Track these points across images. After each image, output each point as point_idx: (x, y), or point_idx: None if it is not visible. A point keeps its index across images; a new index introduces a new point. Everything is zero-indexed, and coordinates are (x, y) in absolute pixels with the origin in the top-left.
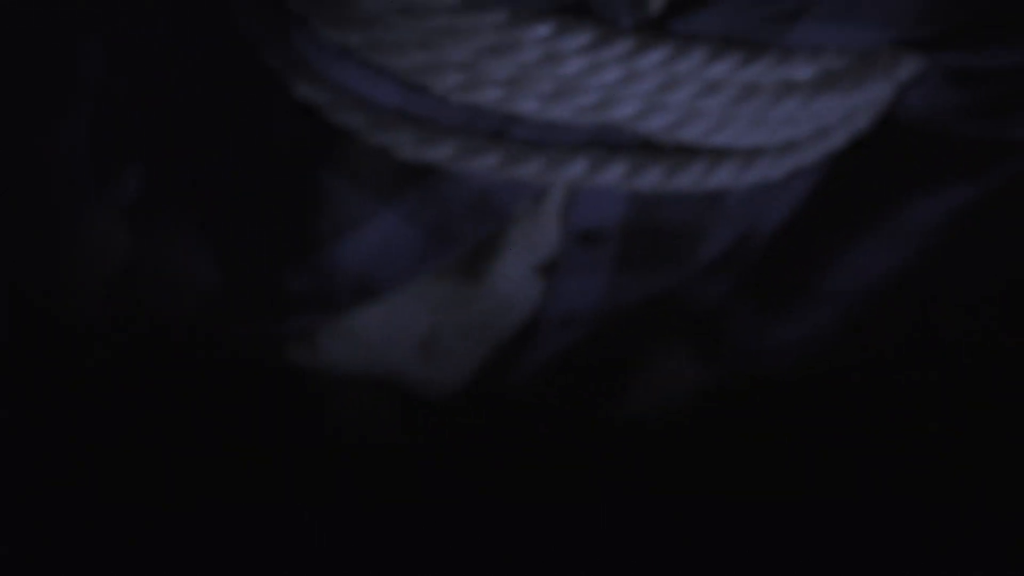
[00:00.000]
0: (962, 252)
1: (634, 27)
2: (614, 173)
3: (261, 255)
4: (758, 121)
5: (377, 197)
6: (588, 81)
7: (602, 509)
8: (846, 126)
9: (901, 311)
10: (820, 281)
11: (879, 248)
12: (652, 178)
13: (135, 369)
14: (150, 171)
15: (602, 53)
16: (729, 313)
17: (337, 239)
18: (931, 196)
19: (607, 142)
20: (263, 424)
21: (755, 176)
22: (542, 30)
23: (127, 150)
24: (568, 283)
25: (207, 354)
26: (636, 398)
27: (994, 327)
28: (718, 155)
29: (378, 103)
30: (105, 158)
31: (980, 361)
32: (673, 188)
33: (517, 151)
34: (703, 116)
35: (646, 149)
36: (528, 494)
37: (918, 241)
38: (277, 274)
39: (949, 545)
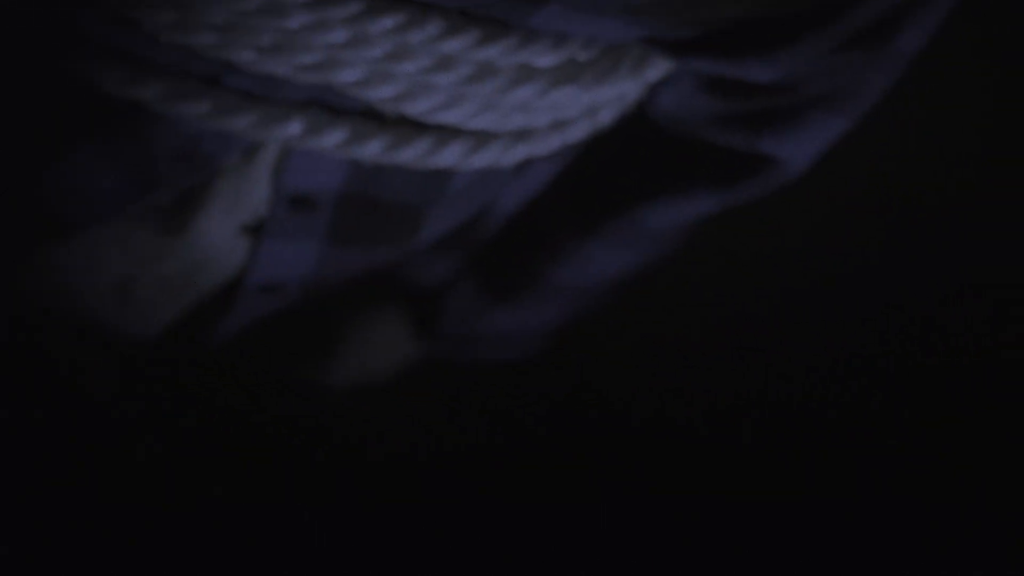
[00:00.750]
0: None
1: None
2: (332, 139)
3: None
4: (491, 104)
5: (77, 130)
6: (311, 39)
7: (602, 509)
8: (587, 120)
9: (627, 313)
10: (549, 274)
11: (613, 248)
12: (372, 149)
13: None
14: None
15: (329, 11)
16: (451, 293)
17: (34, 169)
18: (672, 202)
19: (329, 105)
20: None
21: (484, 160)
22: None
23: None
24: (275, 248)
25: None
26: (343, 366)
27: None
28: (445, 134)
29: (86, 30)
30: None
31: (980, 361)
32: (394, 162)
33: (229, 101)
34: (432, 92)
35: (369, 118)
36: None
37: (654, 245)
38: None
39: (949, 545)
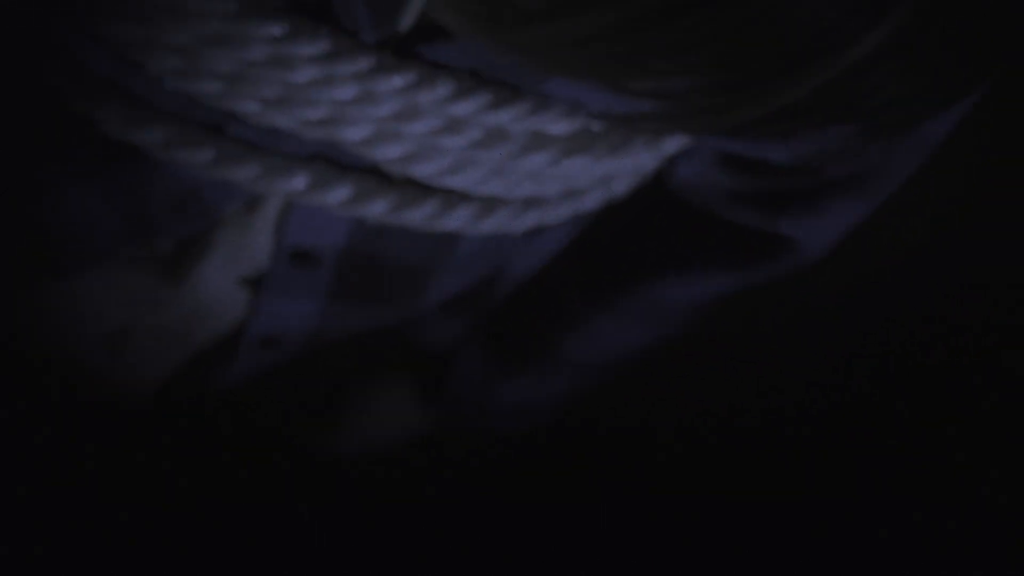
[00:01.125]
0: (710, 341)
1: (377, 44)
2: (337, 195)
3: None
4: (500, 171)
5: (76, 169)
6: (318, 94)
7: (602, 509)
8: (600, 190)
9: (639, 389)
10: (558, 345)
11: (625, 323)
12: (378, 208)
13: None
14: None
15: (337, 67)
16: (457, 360)
17: (27, 205)
18: (687, 278)
19: (334, 160)
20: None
21: (492, 226)
22: (274, 29)
23: None
24: (275, 302)
25: None
26: (348, 432)
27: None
28: (453, 197)
29: (89, 69)
30: None
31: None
32: (400, 223)
33: (233, 152)
34: (440, 155)
35: (375, 176)
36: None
37: (668, 323)
38: None
39: (949, 545)
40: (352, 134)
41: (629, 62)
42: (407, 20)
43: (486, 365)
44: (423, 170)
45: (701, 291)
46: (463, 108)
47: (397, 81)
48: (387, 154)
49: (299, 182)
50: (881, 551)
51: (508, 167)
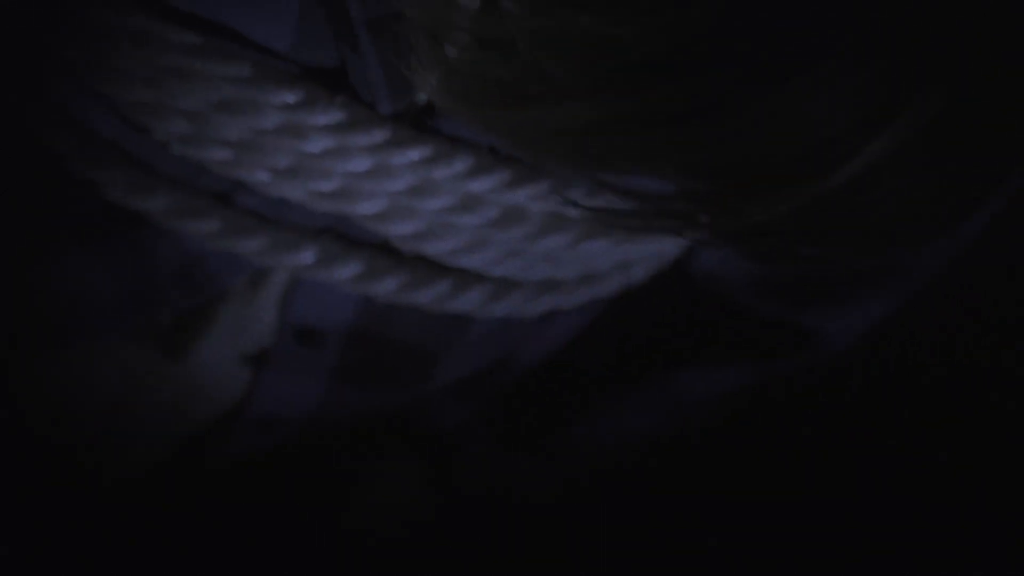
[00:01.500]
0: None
1: (393, 116)
2: (345, 271)
3: None
4: (517, 251)
5: (76, 235)
6: (330, 165)
7: (602, 509)
8: (619, 275)
9: (653, 473)
10: (572, 431)
11: (643, 411)
12: (387, 287)
13: None
14: None
15: (351, 138)
16: (468, 440)
17: (26, 272)
18: (708, 369)
19: (344, 234)
20: None
21: (505, 309)
22: (288, 96)
23: None
24: (277, 381)
25: None
26: (352, 513)
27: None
28: (466, 278)
29: (93, 132)
30: None
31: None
32: (410, 302)
33: (240, 222)
34: (454, 233)
35: (386, 253)
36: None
37: (687, 414)
38: None
39: (949, 545)
40: (364, 208)
41: (603, 160)
42: (425, 93)
43: (495, 449)
44: (436, 248)
45: (720, 382)
46: (480, 185)
47: (413, 155)
48: (400, 230)
49: (307, 256)
50: (881, 551)
51: (525, 248)
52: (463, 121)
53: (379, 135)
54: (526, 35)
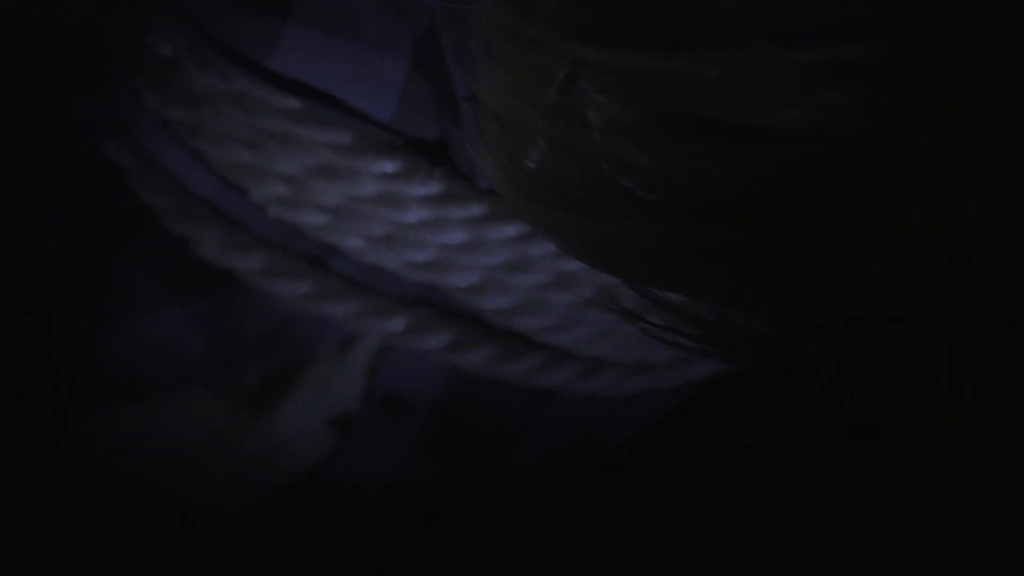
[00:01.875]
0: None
1: (491, 190)
2: (436, 341)
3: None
4: (609, 332)
5: (167, 290)
6: (426, 236)
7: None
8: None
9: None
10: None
11: None
12: (478, 358)
13: None
14: None
15: (448, 210)
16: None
17: (114, 323)
18: None
19: (436, 305)
20: None
21: (596, 386)
22: (387, 165)
23: None
24: (361, 447)
25: None
26: None
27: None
28: (556, 354)
29: (190, 190)
30: None
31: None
32: (499, 376)
33: (333, 287)
34: (547, 309)
35: (477, 325)
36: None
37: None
38: (47, 347)
39: (949, 545)
40: (458, 280)
41: (660, 281)
42: None
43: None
44: (528, 324)
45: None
46: (574, 264)
47: (509, 231)
48: (492, 304)
49: (398, 324)
50: (881, 551)
51: (617, 329)
52: (525, 220)
53: (476, 209)
54: (606, 150)
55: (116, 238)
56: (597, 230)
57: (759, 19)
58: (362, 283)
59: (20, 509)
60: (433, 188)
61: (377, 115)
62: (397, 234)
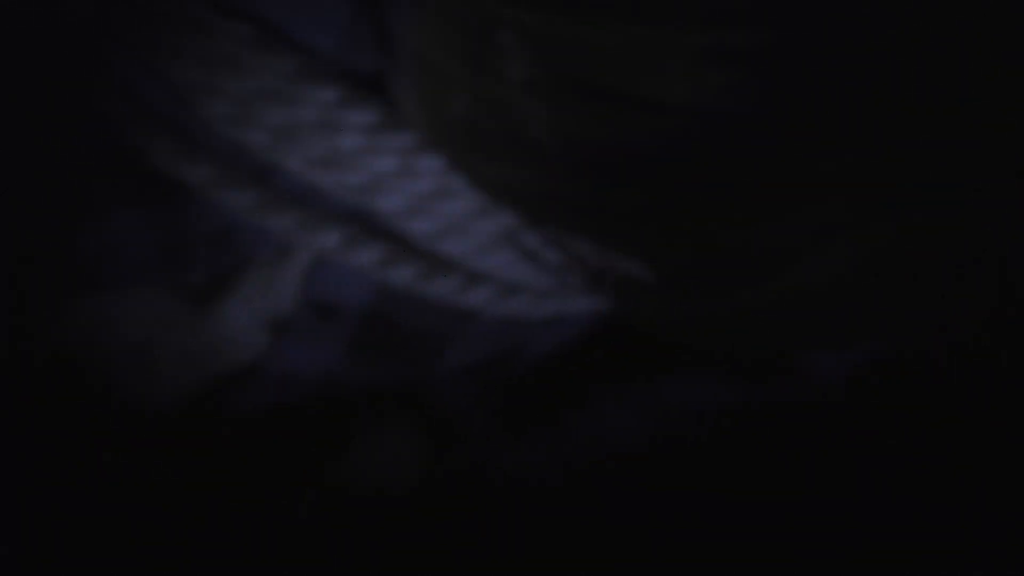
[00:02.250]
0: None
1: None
2: (366, 258)
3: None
4: (523, 260)
5: (123, 195)
6: (360, 161)
7: (604, 509)
8: None
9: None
10: (566, 422)
11: (628, 412)
12: (404, 276)
13: None
14: None
15: (381, 138)
16: (468, 422)
17: (77, 222)
18: (690, 381)
19: (367, 224)
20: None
21: (513, 308)
22: (327, 93)
23: None
24: (294, 347)
25: None
26: (350, 466)
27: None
28: (476, 277)
29: (148, 104)
30: None
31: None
32: (423, 294)
33: (272, 201)
34: (469, 236)
35: (404, 245)
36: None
37: (672, 422)
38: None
39: (949, 545)
40: (387, 204)
41: (560, 225)
42: None
43: (495, 430)
44: (451, 247)
45: (703, 398)
46: None
47: (436, 161)
48: (418, 228)
49: (331, 239)
50: (881, 551)
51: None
52: (446, 162)
53: (407, 139)
54: (517, 103)
55: (80, 146)
56: (503, 173)
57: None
58: (300, 199)
59: (20, 509)
60: (368, 117)
61: (320, 46)
62: (333, 157)
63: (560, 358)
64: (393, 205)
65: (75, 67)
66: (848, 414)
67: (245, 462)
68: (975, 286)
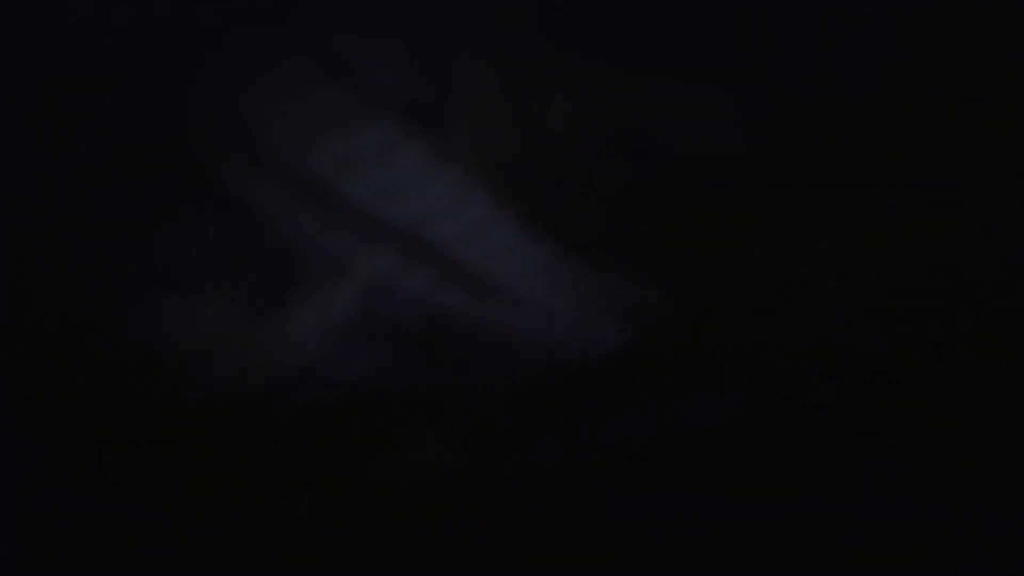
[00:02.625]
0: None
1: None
2: (417, 280)
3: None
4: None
5: (200, 210)
6: (415, 189)
7: (606, 509)
8: None
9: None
10: (589, 430)
11: (648, 426)
12: (453, 298)
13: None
14: None
15: (436, 168)
16: (500, 427)
17: (155, 230)
18: (707, 400)
19: (421, 248)
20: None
21: (547, 332)
22: (387, 126)
23: None
24: (347, 355)
25: None
26: (383, 460)
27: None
28: (517, 302)
29: (224, 131)
30: None
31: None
32: (470, 316)
33: (332, 222)
34: (512, 265)
35: (455, 268)
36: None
37: (689, 436)
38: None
39: (949, 545)
40: (438, 232)
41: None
42: None
43: (522, 435)
44: (496, 275)
45: (715, 414)
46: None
47: (486, 194)
48: (467, 255)
49: (385, 261)
50: (881, 551)
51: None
52: (494, 195)
53: (459, 172)
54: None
55: (163, 164)
56: (545, 208)
57: None
58: (358, 223)
59: (20, 509)
60: (424, 149)
61: (383, 81)
62: (390, 186)
63: (587, 379)
64: (444, 233)
65: (165, 97)
66: (848, 416)
67: (295, 459)
68: (975, 286)
